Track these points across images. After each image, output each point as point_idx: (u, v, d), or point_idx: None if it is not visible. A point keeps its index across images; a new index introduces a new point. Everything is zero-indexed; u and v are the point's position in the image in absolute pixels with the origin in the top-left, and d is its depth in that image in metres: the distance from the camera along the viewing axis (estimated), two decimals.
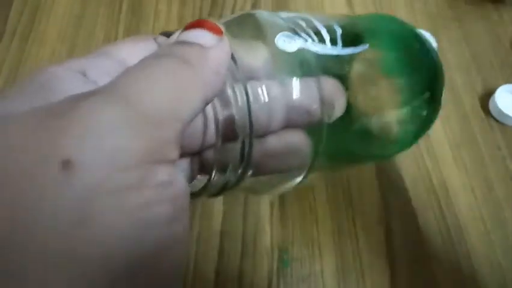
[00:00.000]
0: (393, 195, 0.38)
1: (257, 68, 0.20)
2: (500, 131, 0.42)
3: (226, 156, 0.19)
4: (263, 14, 0.22)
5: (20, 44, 0.45)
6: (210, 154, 0.21)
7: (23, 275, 0.12)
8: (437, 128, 0.42)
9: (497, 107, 0.42)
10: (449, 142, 0.42)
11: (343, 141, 0.24)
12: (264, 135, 0.20)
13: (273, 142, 0.21)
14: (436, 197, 0.38)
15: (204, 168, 0.22)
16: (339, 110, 0.22)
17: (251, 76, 0.20)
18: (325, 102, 0.21)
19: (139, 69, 0.15)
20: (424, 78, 0.27)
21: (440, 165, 0.40)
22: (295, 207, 0.37)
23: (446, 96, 0.44)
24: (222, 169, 0.19)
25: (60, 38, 0.45)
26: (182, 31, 0.18)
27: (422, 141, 0.41)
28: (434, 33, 0.47)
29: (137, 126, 0.14)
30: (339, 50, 0.22)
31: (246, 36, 0.21)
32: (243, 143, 0.19)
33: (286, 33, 0.21)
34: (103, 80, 0.16)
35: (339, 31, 0.23)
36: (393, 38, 0.27)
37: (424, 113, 0.27)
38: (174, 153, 0.15)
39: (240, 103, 0.18)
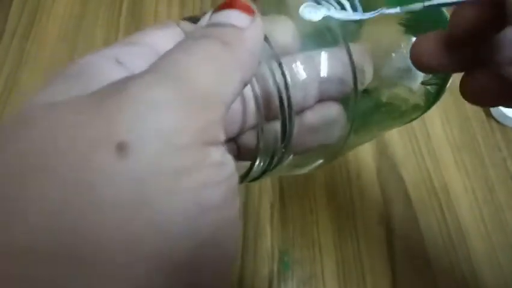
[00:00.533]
0: (394, 196, 0.38)
1: (287, 43, 0.20)
2: (500, 132, 0.42)
3: (267, 137, 0.19)
4: None
5: (20, 44, 0.45)
6: (245, 139, 0.21)
7: (91, 263, 0.12)
8: (438, 130, 0.42)
9: (498, 108, 0.42)
10: (450, 144, 0.42)
11: (374, 106, 0.24)
12: (301, 111, 0.20)
13: (310, 117, 0.21)
14: (437, 198, 0.38)
15: (239, 154, 0.21)
16: (369, 74, 0.22)
17: (283, 52, 0.19)
18: (356, 69, 0.21)
19: (180, 51, 0.15)
20: None
21: (441, 166, 0.40)
22: (295, 208, 0.37)
23: (446, 98, 0.44)
24: (264, 151, 0.19)
25: (60, 38, 0.45)
26: (213, 12, 0.18)
27: (423, 143, 0.41)
28: None
29: (189, 106, 0.14)
30: (361, 15, 0.22)
31: (271, 10, 0.21)
32: (284, 121, 0.19)
33: (309, 3, 0.21)
34: (138, 66, 0.16)
35: None
36: None
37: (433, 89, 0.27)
38: (222, 134, 0.15)
39: (277, 81, 0.18)
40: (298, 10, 0.21)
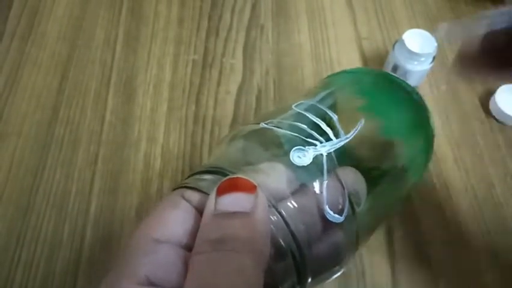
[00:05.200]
0: None
1: (283, 188, 0.21)
2: (500, 130, 0.43)
3: (284, 276, 0.20)
4: (269, 133, 0.24)
5: (19, 45, 0.45)
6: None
7: None
8: (438, 128, 0.42)
9: (497, 107, 0.42)
10: (449, 142, 0.42)
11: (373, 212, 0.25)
12: (311, 244, 0.21)
13: (319, 248, 0.21)
14: (437, 196, 0.38)
15: None
16: (363, 194, 0.23)
17: (280, 197, 0.21)
18: (352, 195, 0.22)
19: (206, 274, 0.16)
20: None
21: (441, 164, 0.40)
22: None
23: (446, 97, 0.44)
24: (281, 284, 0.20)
25: (60, 40, 0.45)
26: (219, 194, 0.18)
27: None
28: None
29: None
30: (343, 140, 0.23)
31: (261, 156, 0.23)
32: (294, 259, 0.20)
33: (297, 148, 0.22)
34: (168, 278, 0.17)
35: (335, 117, 0.24)
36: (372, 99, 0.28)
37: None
38: None
39: (279, 227, 0.20)
40: (289, 156, 0.22)
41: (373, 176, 0.25)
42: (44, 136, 0.39)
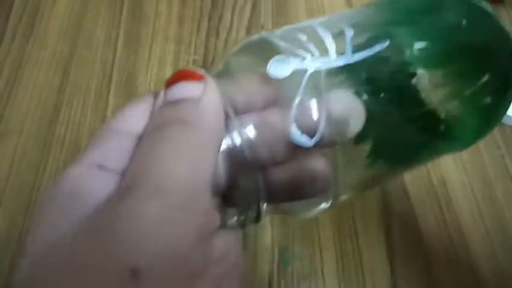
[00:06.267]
0: (393, 194, 0.38)
1: (252, 98, 0.19)
2: (499, 130, 0.43)
3: (236, 194, 0.19)
4: (256, 37, 0.21)
5: (20, 44, 0.45)
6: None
7: None
8: None
9: None
10: None
11: (403, 131, 0.22)
12: (272, 165, 0.19)
13: (283, 171, 0.19)
14: (436, 196, 0.39)
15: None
16: (356, 125, 0.20)
17: (250, 107, 0.19)
18: (334, 122, 0.19)
19: (148, 151, 0.16)
20: (475, 59, 0.22)
21: (440, 164, 0.40)
22: None
23: None
24: (235, 206, 0.19)
25: (61, 38, 0.46)
26: (165, 89, 0.18)
27: None
28: None
29: (179, 212, 0.14)
30: (347, 59, 0.20)
31: (248, 66, 0.21)
32: (250, 178, 0.18)
33: (278, 57, 0.19)
34: (120, 164, 0.17)
35: (349, 34, 0.20)
36: (420, 19, 0.22)
37: (488, 100, 0.23)
38: (217, 216, 0.16)
39: (236, 140, 0.18)
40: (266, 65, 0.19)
41: (383, 117, 0.21)
42: (45, 134, 0.39)
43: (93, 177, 0.16)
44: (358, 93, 0.20)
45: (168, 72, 0.44)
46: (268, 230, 0.36)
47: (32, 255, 0.15)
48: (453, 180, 0.40)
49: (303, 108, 0.19)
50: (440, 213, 0.38)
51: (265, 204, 0.19)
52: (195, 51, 0.46)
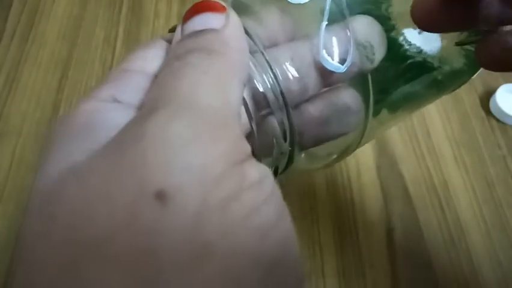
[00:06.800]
0: (394, 194, 0.38)
1: (275, 32, 0.19)
2: (500, 130, 0.42)
3: (268, 136, 0.18)
4: None
5: (19, 45, 0.45)
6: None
7: None
8: (438, 128, 0.42)
9: (498, 106, 0.42)
10: (449, 141, 0.42)
11: (397, 83, 0.21)
12: (303, 101, 0.18)
13: (313, 109, 0.19)
14: (437, 196, 0.38)
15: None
16: (380, 50, 0.19)
17: (271, 43, 0.18)
18: (362, 46, 0.18)
19: (170, 78, 0.15)
20: None
21: (441, 164, 0.40)
22: (295, 206, 0.37)
23: (446, 96, 0.44)
24: (264, 152, 0.18)
25: (60, 39, 0.45)
26: (183, 22, 0.17)
27: (422, 141, 0.41)
28: None
29: (210, 132, 0.13)
30: None
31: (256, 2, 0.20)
32: (280, 120, 0.17)
33: None
34: (136, 99, 0.16)
35: None
36: None
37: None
38: (247, 145, 0.14)
39: (264, 77, 0.17)
40: None
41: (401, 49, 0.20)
42: (44, 135, 0.39)
43: (109, 109, 0.15)
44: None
45: None
46: None
47: (48, 176, 0.13)
48: (454, 180, 0.39)
49: (331, 34, 0.18)
50: (441, 213, 0.38)
51: (296, 147, 0.18)
52: None
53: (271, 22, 0.19)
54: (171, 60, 0.16)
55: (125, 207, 0.12)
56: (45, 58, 0.44)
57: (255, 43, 0.17)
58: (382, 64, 0.19)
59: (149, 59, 0.17)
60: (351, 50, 0.18)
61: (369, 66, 0.19)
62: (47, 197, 0.13)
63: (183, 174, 0.12)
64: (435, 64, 0.22)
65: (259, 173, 0.14)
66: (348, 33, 0.18)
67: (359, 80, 0.19)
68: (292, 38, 0.19)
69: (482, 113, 0.43)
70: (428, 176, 0.39)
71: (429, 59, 0.21)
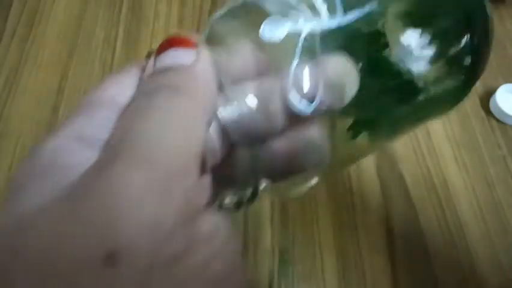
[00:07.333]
0: (394, 194, 0.38)
1: (246, 67, 0.18)
2: (500, 130, 0.42)
3: (232, 169, 0.18)
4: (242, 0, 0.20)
5: (19, 45, 0.45)
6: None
7: None
8: (438, 128, 0.42)
9: (498, 106, 0.42)
10: (449, 141, 0.42)
11: (382, 102, 0.21)
12: (269, 135, 0.18)
13: (282, 142, 0.19)
14: (437, 196, 0.38)
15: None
16: (351, 89, 0.19)
17: (243, 77, 0.18)
18: (332, 86, 0.18)
19: (135, 117, 0.15)
20: (459, 17, 0.22)
21: (441, 164, 0.40)
22: (296, 207, 0.37)
23: None
24: (232, 184, 0.18)
25: (60, 39, 0.45)
26: (156, 54, 0.17)
27: (423, 141, 0.41)
28: None
29: (165, 184, 0.13)
30: (338, 20, 0.19)
31: (236, 31, 0.20)
32: (247, 151, 0.17)
33: (270, 19, 0.18)
34: (102, 134, 0.15)
35: None
36: None
37: (467, 61, 0.23)
38: (205, 194, 0.15)
39: (231, 111, 0.17)
40: (259, 29, 0.18)
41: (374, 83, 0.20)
42: (44, 135, 0.39)
43: (72, 150, 0.15)
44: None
45: None
46: (268, 230, 0.36)
47: (5, 220, 0.13)
48: (454, 180, 0.39)
49: (301, 72, 0.18)
50: (441, 213, 0.38)
51: (262, 181, 0.18)
52: None
53: (243, 56, 0.19)
54: (139, 97, 0.16)
55: (71, 262, 0.12)
56: (45, 58, 0.44)
57: (223, 78, 0.17)
58: (368, 82, 0.19)
59: (121, 88, 0.17)
60: (320, 91, 0.18)
61: (338, 105, 0.19)
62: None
63: (134, 232, 0.12)
64: (423, 85, 0.22)
65: (212, 225, 0.14)
66: (319, 73, 0.18)
67: (326, 117, 0.19)
68: (263, 73, 0.18)
69: (482, 113, 0.43)
70: (428, 176, 0.39)
71: (416, 80, 0.21)
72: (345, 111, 0.19)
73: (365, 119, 0.21)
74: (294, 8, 0.19)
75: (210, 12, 0.49)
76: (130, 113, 0.15)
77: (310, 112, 0.18)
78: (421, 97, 0.22)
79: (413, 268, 0.35)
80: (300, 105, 0.18)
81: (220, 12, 0.20)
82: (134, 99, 0.16)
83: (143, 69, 0.18)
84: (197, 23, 0.48)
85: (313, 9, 0.19)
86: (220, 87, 0.17)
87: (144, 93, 0.16)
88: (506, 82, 0.44)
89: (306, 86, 0.18)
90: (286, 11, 0.19)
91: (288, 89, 0.17)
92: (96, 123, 0.16)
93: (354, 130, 0.20)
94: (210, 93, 0.16)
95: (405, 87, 0.21)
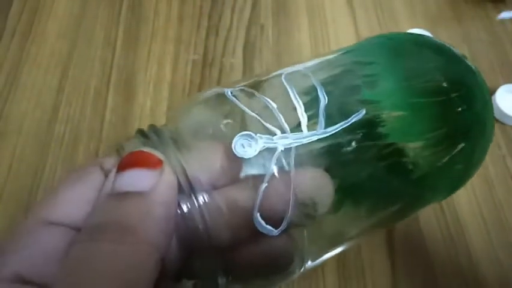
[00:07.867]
0: None
1: (216, 174, 0.18)
2: (500, 130, 0.43)
3: (193, 272, 0.18)
4: (216, 92, 0.19)
5: (19, 44, 0.44)
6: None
7: None
8: None
9: (498, 106, 0.42)
10: None
11: (366, 174, 0.21)
12: (232, 245, 0.18)
13: (248, 251, 0.18)
14: None
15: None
16: (324, 205, 0.19)
17: (213, 184, 0.18)
18: (303, 205, 0.18)
19: (83, 259, 0.14)
20: (452, 128, 0.22)
21: None
22: None
23: None
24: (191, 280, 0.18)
25: (60, 38, 0.45)
26: (118, 168, 0.16)
27: None
28: (434, 33, 0.47)
29: None
30: (319, 134, 0.18)
31: (208, 130, 0.19)
32: (208, 261, 0.17)
33: (244, 135, 0.18)
34: (45, 275, 0.15)
35: (323, 102, 0.19)
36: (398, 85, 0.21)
37: (459, 167, 0.23)
38: None
39: (193, 222, 0.17)
40: (232, 141, 0.18)
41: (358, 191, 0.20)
42: (44, 134, 0.39)
43: (41, 231, 0.15)
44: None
45: (168, 72, 0.44)
46: None
47: None
48: None
49: (270, 196, 0.17)
50: (441, 212, 0.38)
51: (224, 281, 0.18)
52: (195, 50, 0.46)
53: (214, 163, 0.18)
54: (84, 235, 0.15)
55: None
56: (45, 57, 0.44)
57: (191, 187, 0.17)
58: (358, 147, 0.19)
59: (75, 202, 0.17)
60: (290, 212, 0.17)
61: (307, 223, 0.18)
62: None
63: None
64: (410, 166, 0.22)
65: None
66: (291, 192, 0.17)
67: (295, 232, 0.18)
68: (234, 181, 0.18)
69: None
70: None
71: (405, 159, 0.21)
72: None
73: (350, 190, 0.20)
74: (271, 116, 0.18)
75: (210, 12, 0.49)
76: (75, 254, 0.15)
77: (277, 234, 0.17)
78: (410, 175, 0.21)
79: (413, 268, 0.35)
80: (266, 229, 0.17)
81: (192, 102, 0.20)
82: (79, 237, 0.15)
83: (106, 173, 0.17)
84: (197, 22, 0.48)
85: (292, 117, 0.18)
86: (185, 194, 0.17)
87: (89, 229, 0.15)
88: (506, 82, 0.44)
89: (274, 209, 0.17)
90: (262, 120, 0.18)
91: (255, 212, 0.17)
92: (40, 253, 0.15)
93: (338, 202, 0.20)
94: (166, 222, 0.16)
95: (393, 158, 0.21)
